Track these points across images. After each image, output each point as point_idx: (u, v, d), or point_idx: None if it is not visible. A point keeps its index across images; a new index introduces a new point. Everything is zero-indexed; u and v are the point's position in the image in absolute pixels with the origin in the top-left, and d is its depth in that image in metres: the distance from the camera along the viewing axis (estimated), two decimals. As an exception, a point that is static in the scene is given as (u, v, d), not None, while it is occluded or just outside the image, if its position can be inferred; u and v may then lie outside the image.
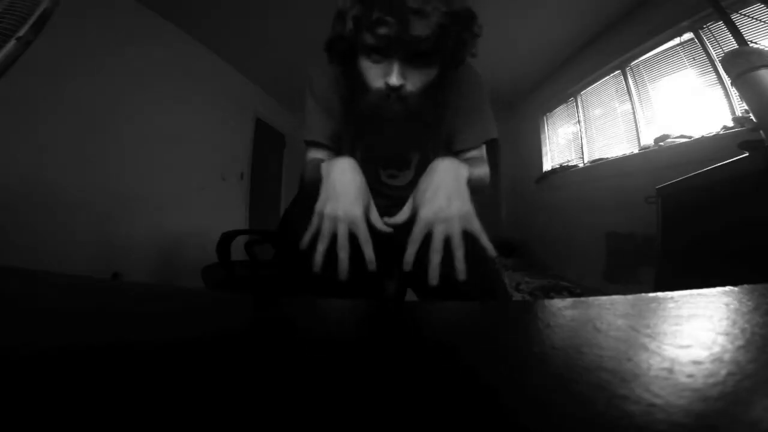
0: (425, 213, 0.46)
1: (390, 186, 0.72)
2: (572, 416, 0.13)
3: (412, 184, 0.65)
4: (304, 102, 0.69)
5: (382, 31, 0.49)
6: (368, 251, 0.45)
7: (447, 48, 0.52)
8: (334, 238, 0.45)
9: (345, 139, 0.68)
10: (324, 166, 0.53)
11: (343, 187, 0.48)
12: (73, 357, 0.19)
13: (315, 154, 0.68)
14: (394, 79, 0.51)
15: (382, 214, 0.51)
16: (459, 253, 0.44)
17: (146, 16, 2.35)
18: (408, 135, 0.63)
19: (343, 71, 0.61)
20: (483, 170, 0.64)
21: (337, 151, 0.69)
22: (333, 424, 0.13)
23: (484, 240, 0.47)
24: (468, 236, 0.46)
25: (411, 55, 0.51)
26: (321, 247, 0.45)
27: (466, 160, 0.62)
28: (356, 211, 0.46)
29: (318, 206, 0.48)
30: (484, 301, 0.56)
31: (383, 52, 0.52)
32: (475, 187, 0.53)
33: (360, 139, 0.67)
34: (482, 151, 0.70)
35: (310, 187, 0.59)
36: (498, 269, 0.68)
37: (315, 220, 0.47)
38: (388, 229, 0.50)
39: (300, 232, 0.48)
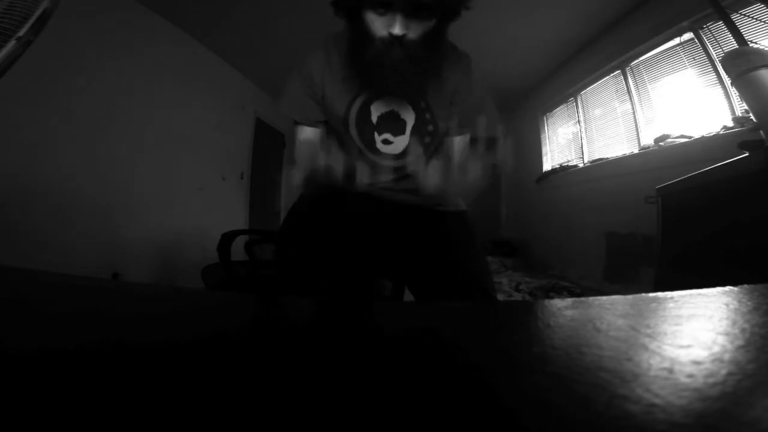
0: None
1: (384, 155, 0.74)
2: (572, 416, 0.13)
3: (404, 154, 0.70)
4: (287, 79, 0.74)
5: None
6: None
7: (446, 1, 0.59)
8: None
9: (344, 99, 0.71)
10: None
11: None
12: (73, 357, 0.19)
13: (304, 132, 0.75)
14: (397, 29, 0.57)
15: (377, 188, 0.57)
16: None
17: (146, 16, 2.35)
18: (408, 80, 0.67)
19: (347, 25, 0.66)
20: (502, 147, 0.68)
21: (325, 123, 0.75)
22: (333, 424, 0.13)
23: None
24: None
25: (412, 7, 0.57)
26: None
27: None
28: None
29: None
30: (484, 301, 0.56)
31: (387, 5, 0.57)
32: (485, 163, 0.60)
33: (361, 92, 0.71)
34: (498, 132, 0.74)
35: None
36: (483, 254, 0.74)
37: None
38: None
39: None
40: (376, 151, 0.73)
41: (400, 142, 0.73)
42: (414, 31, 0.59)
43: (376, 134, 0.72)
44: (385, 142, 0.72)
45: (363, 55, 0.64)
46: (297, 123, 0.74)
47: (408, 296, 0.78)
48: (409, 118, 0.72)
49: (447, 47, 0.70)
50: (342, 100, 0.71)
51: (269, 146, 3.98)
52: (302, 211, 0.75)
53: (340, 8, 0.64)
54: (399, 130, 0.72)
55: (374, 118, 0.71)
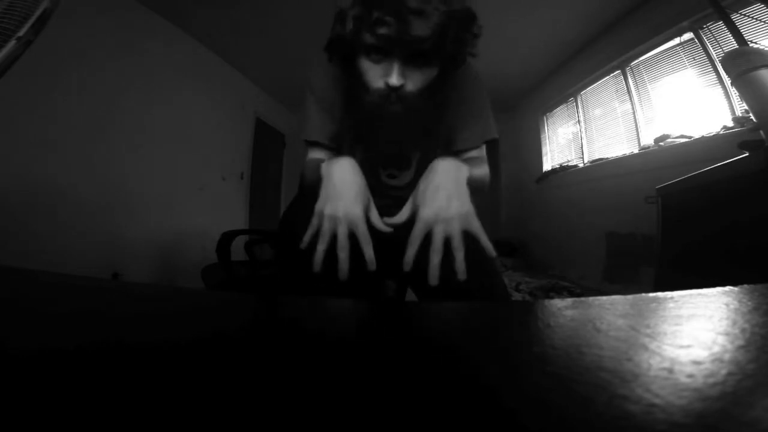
0: (425, 213, 0.46)
1: (390, 186, 0.72)
2: (572, 416, 0.13)
3: (412, 185, 0.65)
4: (303, 101, 0.69)
5: (383, 31, 0.49)
6: (368, 251, 0.45)
7: (447, 48, 0.52)
8: (334, 239, 0.45)
9: (345, 139, 0.68)
10: (324, 166, 0.52)
11: (343, 186, 0.48)
12: (73, 357, 0.19)
13: (315, 154, 0.67)
14: (395, 79, 0.52)
15: (382, 215, 0.51)
16: (459, 254, 0.44)
17: (146, 16, 2.35)
18: (408, 134, 0.64)
19: (344, 71, 0.61)
20: (483, 170, 0.64)
21: (337, 151, 0.69)
22: (333, 425, 0.13)
23: (484, 240, 0.46)
24: (468, 236, 0.46)
25: (411, 55, 0.52)
26: (321, 247, 0.45)
27: (466, 160, 0.62)
28: (356, 210, 0.46)
29: (318, 206, 0.48)
30: (484, 301, 0.56)
31: (383, 52, 0.52)
32: (475, 188, 0.53)
33: (360, 139, 0.67)
34: (482, 152, 0.70)
35: (310, 188, 0.59)
36: (497, 270, 0.68)
37: (315, 220, 0.47)
38: (388, 229, 0.50)
39: (300, 232, 0.48)
40: (381, 183, 0.70)
41: (405, 176, 0.70)
42: (413, 82, 0.53)
43: (381, 169, 0.70)
44: (390, 176, 0.70)
45: (359, 107, 0.58)
46: (310, 146, 0.68)
47: (409, 296, 0.78)
48: (415, 156, 0.69)
49: (456, 86, 0.64)
50: (344, 138, 0.67)
51: (269, 146, 3.98)
52: (300, 211, 0.75)
53: (334, 54, 0.59)
54: (404, 165, 0.70)
55: (377, 157, 0.68)
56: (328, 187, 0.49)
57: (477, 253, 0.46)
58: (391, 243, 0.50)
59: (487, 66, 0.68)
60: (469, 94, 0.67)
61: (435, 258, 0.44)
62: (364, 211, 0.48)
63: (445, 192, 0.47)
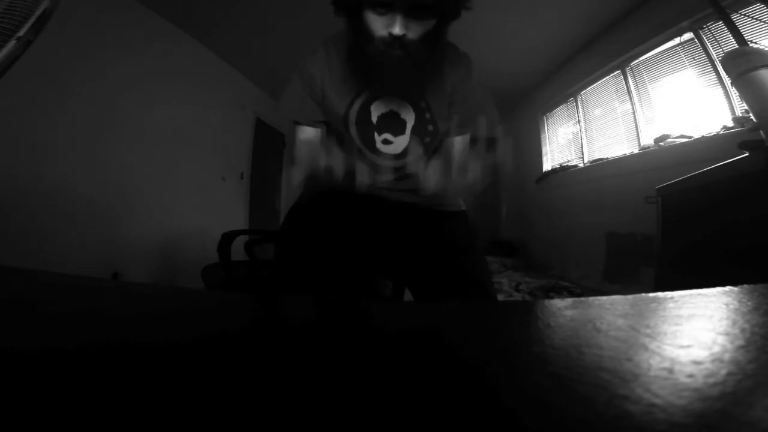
0: None
1: (384, 155, 0.74)
2: (572, 416, 0.13)
3: (404, 155, 0.71)
4: (288, 82, 0.74)
5: None
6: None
7: (446, 1, 0.59)
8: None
9: (344, 99, 0.72)
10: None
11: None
12: (73, 357, 0.19)
13: (302, 133, 0.75)
14: (397, 29, 0.57)
15: (376, 188, 0.59)
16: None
17: (146, 16, 2.35)
18: (407, 80, 0.68)
19: (347, 24, 0.66)
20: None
21: (326, 125, 0.75)
22: (333, 425, 0.13)
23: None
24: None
25: (412, 8, 0.57)
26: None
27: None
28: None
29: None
30: (484, 301, 0.56)
31: (387, 5, 0.58)
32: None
33: (363, 89, 0.71)
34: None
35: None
36: (483, 254, 0.75)
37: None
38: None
39: (303, 233, 0.49)
40: (376, 151, 0.73)
41: (400, 142, 0.73)
42: (413, 32, 0.59)
43: (375, 134, 0.72)
44: (385, 142, 0.72)
45: (363, 54, 0.64)
46: (297, 123, 0.74)
47: (408, 296, 0.78)
48: (409, 118, 0.72)
49: (447, 47, 0.70)
50: (342, 100, 0.71)
51: (269, 146, 3.98)
52: (302, 211, 0.75)
53: (340, 8, 0.65)
54: (399, 130, 0.72)
55: (374, 118, 0.71)
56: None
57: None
58: (388, 243, 0.51)
59: (487, 66, 0.69)
60: (463, 77, 0.73)
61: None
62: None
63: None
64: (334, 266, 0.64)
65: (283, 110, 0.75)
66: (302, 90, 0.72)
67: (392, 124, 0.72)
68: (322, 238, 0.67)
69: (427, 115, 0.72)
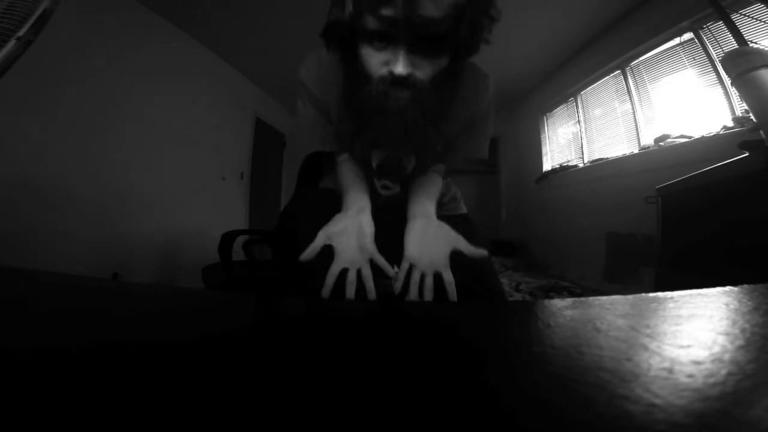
0: (409, 256, 0.51)
1: (381, 196, 0.71)
2: (572, 416, 0.13)
3: (400, 195, 0.67)
4: (298, 110, 0.68)
5: (387, 12, 0.43)
6: (370, 286, 0.48)
7: (460, 33, 0.46)
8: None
9: (344, 138, 0.64)
10: (343, 184, 0.59)
11: (360, 230, 0.53)
12: (73, 357, 0.19)
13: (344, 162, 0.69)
14: (401, 68, 0.45)
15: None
16: (450, 287, 0.47)
17: (146, 16, 2.35)
18: (415, 130, 0.56)
19: (342, 60, 0.55)
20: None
21: (343, 150, 0.69)
22: (333, 425, 0.13)
23: (471, 251, 0.52)
24: (460, 223, 0.49)
25: (419, 41, 0.45)
26: (330, 281, 0.47)
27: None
28: (366, 254, 0.51)
29: (331, 229, 0.52)
30: (484, 302, 0.56)
31: (387, 38, 0.46)
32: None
33: (359, 136, 0.62)
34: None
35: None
36: (494, 271, 0.70)
37: (321, 238, 0.51)
38: (393, 273, 0.52)
39: (299, 232, 0.49)
40: (375, 193, 0.69)
41: (398, 186, 0.69)
42: (422, 71, 0.47)
43: (375, 179, 0.67)
44: (384, 187, 0.68)
45: (359, 97, 0.52)
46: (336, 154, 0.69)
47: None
48: (410, 164, 0.66)
49: (464, 73, 0.59)
50: (342, 133, 0.65)
51: (269, 146, 3.98)
52: (300, 211, 0.74)
53: (331, 40, 0.53)
54: (399, 177, 0.67)
55: (374, 163, 0.64)
56: (346, 221, 0.54)
57: (468, 240, 0.49)
58: (390, 245, 0.51)
59: (487, 66, 0.68)
60: (473, 101, 0.64)
61: (428, 296, 0.47)
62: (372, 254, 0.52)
63: (423, 242, 0.53)
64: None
65: (307, 134, 0.67)
66: (315, 115, 0.64)
67: (392, 171, 0.65)
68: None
69: (430, 160, 0.67)
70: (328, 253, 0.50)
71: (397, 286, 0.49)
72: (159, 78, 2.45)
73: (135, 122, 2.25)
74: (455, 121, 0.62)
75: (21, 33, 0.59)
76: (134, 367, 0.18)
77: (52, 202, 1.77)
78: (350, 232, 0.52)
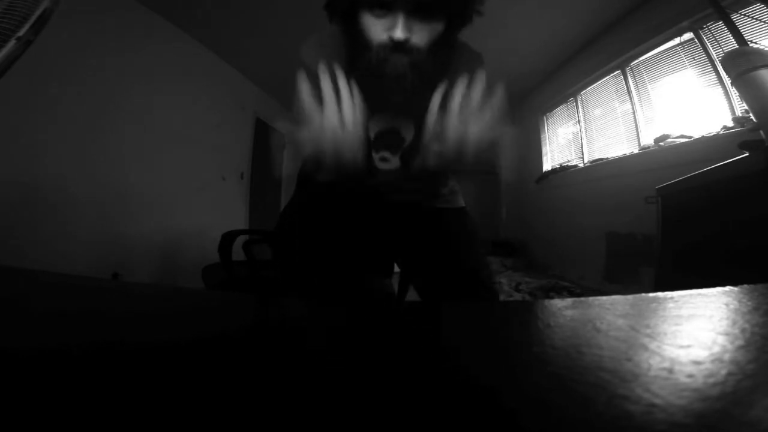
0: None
1: (380, 171, 0.70)
2: (572, 416, 0.13)
3: (399, 171, 0.65)
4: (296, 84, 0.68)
5: None
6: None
7: (454, 0, 0.50)
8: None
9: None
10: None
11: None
12: (73, 357, 0.19)
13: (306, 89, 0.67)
14: (399, 32, 0.49)
15: (371, 197, 0.51)
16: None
17: (146, 16, 2.35)
18: (412, 93, 0.59)
19: (343, 31, 0.58)
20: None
21: None
22: (333, 425, 0.13)
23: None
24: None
25: (416, 8, 0.49)
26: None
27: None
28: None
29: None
30: (484, 302, 0.56)
31: (387, 6, 0.49)
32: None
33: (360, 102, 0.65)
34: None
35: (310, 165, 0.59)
36: (483, 251, 0.70)
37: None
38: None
39: (299, 232, 0.49)
40: (373, 168, 0.68)
41: (395, 161, 0.68)
42: (419, 36, 0.51)
43: (373, 152, 0.67)
44: (383, 159, 0.68)
45: (360, 64, 0.55)
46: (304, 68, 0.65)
47: (411, 295, 0.79)
48: (409, 135, 0.67)
49: (457, 50, 0.62)
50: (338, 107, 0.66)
51: (269, 146, 3.98)
52: (299, 210, 0.74)
53: (334, 12, 0.57)
54: (397, 147, 0.67)
55: (372, 134, 0.66)
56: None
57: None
58: (389, 242, 0.51)
59: (487, 66, 0.67)
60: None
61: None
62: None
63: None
64: (335, 266, 0.62)
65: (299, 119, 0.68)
66: (311, 90, 0.66)
67: (391, 142, 0.67)
68: (322, 237, 0.66)
69: (420, 139, 0.66)
70: (328, 253, 0.49)
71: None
72: (159, 78, 2.45)
73: (135, 122, 2.25)
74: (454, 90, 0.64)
75: (21, 33, 0.59)
76: (134, 367, 0.18)
77: (52, 202, 1.77)
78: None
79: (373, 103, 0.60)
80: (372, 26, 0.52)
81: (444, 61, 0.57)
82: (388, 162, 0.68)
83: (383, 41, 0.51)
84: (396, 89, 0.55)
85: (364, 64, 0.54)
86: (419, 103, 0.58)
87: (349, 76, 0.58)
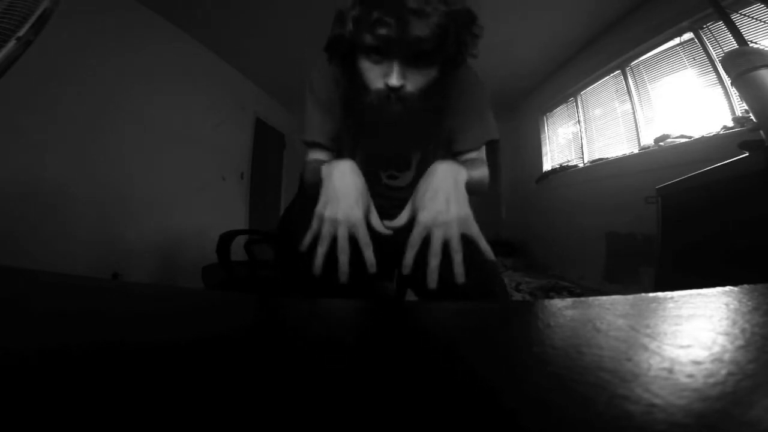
0: (424, 216, 0.46)
1: (390, 187, 0.72)
2: (572, 416, 0.13)
3: (413, 185, 0.64)
4: (304, 102, 0.69)
5: (382, 31, 0.49)
6: (368, 254, 0.45)
7: (447, 48, 0.52)
8: (334, 241, 0.46)
9: (345, 140, 0.67)
10: (324, 168, 0.53)
11: (344, 189, 0.48)
12: (73, 357, 0.19)
13: (315, 155, 0.67)
14: (394, 80, 0.51)
15: (382, 216, 0.51)
16: (458, 257, 0.44)
17: (146, 16, 2.35)
18: (407, 135, 0.63)
19: (343, 72, 0.61)
20: (482, 172, 0.65)
21: (337, 153, 0.69)
22: (333, 425, 0.13)
23: (483, 244, 0.47)
24: (466, 240, 0.46)
25: (411, 56, 0.51)
26: (321, 250, 0.45)
27: (465, 162, 0.63)
28: (356, 213, 0.47)
29: (318, 209, 0.48)
30: (484, 301, 0.56)
31: (383, 53, 0.52)
32: (474, 190, 0.54)
33: (360, 140, 0.67)
34: (482, 153, 0.70)
35: (311, 190, 0.59)
36: (497, 272, 0.68)
37: (315, 222, 0.48)
38: (388, 232, 0.50)
39: (299, 233, 0.48)
40: (382, 185, 0.71)
41: (406, 177, 0.70)
42: (413, 83, 0.53)
43: (381, 171, 0.70)
44: (391, 177, 0.70)
45: (359, 108, 0.58)
46: (308, 146, 0.68)
47: (409, 296, 0.78)
48: (415, 157, 0.69)
49: (459, 80, 0.64)
50: (344, 140, 0.67)
51: (269, 146, 3.98)
52: (301, 212, 0.74)
53: (334, 55, 0.59)
54: (404, 167, 0.69)
55: (377, 159, 0.69)
56: (328, 189, 0.49)
57: (476, 255, 0.46)
58: (391, 245, 0.50)
59: (487, 66, 0.67)
60: (469, 95, 0.67)
61: (433, 261, 0.44)
62: (365, 214, 0.48)
63: (444, 195, 0.47)
64: (333, 268, 0.62)
65: (306, 135, 0.67)
66: (317, 108, 0.66)
67: (397, 163, 0.69)
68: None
69: (431, 156, 0.68)
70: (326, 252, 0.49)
71: (408, 260, 0.45)
72: (159, 78, 2.45)
73: (135, 122, 2.25)
74: (455, 114, 0.66)
75: (21, 33, 0.59)
76: (134, 367, 0.18)
77: (52, 202, 1.77)
78: (335, 195, 0.48)
79: (375, 143, 0.65)
80: (369, 71, 0.54)
81: (438, 103, 0.60)
82: (397, 179, 0.70)
83: (379, 88, 0.53)
84: (393, 134, 0.59)
85: (361, 107, 0.57)
86: (417, 140, 0.64)
87: (347, 115, 0.63)
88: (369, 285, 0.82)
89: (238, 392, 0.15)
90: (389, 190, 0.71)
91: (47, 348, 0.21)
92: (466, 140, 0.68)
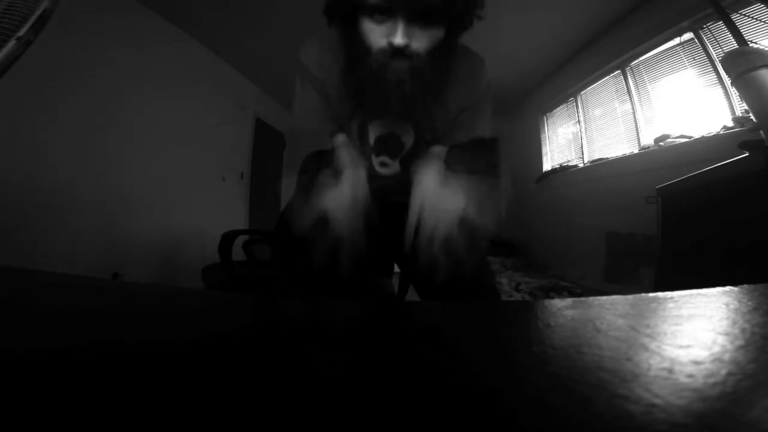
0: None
1: (380, 175, 0.70)
2: (572, 416, 0.13)
3: (397, 178, 0.66)
4: (294, 86, 0.68)
5: None
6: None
7: (455, 5, 0.50)
8: (332, 239, 0.46)
9: (341, 117, 0.65)
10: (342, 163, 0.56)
11: (352, 203, 0.52)
12: (73, 357, 0.19)
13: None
14: (399, 38, 0.49)
15: (372, 198, 0.54)
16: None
17: (146, 16, 2.35)
18: (412, 99, 0.58)
19: (343, 36, 0.58)
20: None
21: (337, 130, 0.67)
22: (333, 425, 0.13)
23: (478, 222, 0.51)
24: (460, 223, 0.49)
25: (417, 13, 0.49)
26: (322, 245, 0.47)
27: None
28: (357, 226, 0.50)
29: (324, 200, 0.51)
30: (484, 301, 0.56)
31: (386, 11, 0.49)
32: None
33: (359, 110, 0.64)
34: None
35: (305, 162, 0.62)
36: (486, 258, 0.71)
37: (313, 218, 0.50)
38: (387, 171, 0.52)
39: (298, 232, 0.49)
40: (373, 172, 0.69)
41: (394, 166, 0.69)
42: (419, 41, 0.50)
43: (373, 156, 0.67)
44: (382, 164, 0.68)
45: (360, 70, 0.55)
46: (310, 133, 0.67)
47: (411, 295, 0.78)
48: (409, 140, 0.67)
49: (458, 53, 0.61)
50: (339, 110, 0.65)
51: (269, 146, 3.98)
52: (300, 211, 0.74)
53: (333, 17, 0.56)
54: (397, 152, 0.67)
55: (371, 140, 0.66)
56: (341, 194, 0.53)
57: (467, 241, 0.49)
58: (390, 242, 0.51)
59: (488, 66, 0.67)
60: (470, 84, 0.65)
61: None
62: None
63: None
64: (333, 267, 0.62)
65: (299, 122, 0.67)
66: (313, 96, 0.65)
67: (390, 147, 0.66)
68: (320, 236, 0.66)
69: (428, 136, 0.66)
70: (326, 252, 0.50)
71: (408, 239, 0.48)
72: (159, 78, 2.45)
73: (135, 122, 2.25)
74: (455, 99, 0.64)
75: (21, 33, 0.59)
76: (134, 366, 0.18)
77: (52, 202, 1.77)
78: (341, 197, 0.52)
79: (373, 107, 0.61)
80: (371, 32, 0.51)
81: (444, 67, 0.57)
82: (388, 167, 0.68)
83: (383, 47, 0.51)
84: (395, 95, 0.54)
85: (363, 69, 0.54)
86: (419, 108, 0.59)
87: (348, 80, 0.59)
88: (368, 281, 0.82)
89: (238, 392, 0.15)
90: (378, 179, 0.69)
91: (47, 348, 0.21)
92: (457, 136, 0.67)
